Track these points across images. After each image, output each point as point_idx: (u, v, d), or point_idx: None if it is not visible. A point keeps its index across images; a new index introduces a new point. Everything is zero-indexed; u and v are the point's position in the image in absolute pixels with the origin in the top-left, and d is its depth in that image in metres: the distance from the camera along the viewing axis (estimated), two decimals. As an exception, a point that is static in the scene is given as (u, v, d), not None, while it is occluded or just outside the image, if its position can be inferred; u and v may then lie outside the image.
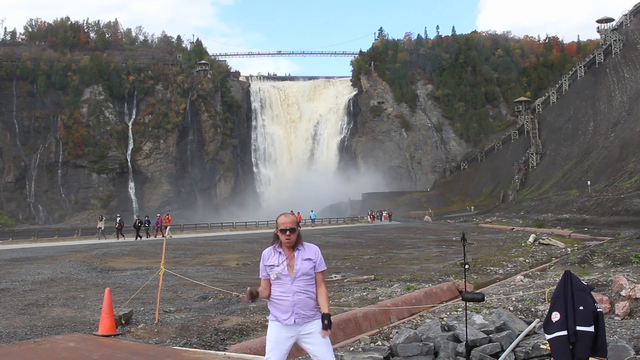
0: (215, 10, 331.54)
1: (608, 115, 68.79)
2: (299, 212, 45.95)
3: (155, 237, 32.47)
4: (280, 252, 4.02)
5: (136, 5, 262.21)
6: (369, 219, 61.96)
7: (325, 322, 3.90)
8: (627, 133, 55.91)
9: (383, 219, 64.60)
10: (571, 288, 4.69)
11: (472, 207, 77.59)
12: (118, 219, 33.85)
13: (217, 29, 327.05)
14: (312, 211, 51.55)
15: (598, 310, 4.66)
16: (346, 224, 56.90)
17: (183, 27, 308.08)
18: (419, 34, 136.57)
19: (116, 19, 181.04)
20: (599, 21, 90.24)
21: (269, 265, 4.02)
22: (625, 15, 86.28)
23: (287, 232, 3.96)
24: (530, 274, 13.25)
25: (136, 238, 31.10)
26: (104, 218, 35.66)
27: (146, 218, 34.65)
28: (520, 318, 7.42)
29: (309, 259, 4.00)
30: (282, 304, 3.97)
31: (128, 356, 5.93)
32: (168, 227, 33.68)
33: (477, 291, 10.02)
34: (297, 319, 3.93)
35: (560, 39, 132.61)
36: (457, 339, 6.17)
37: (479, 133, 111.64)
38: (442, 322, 6.90)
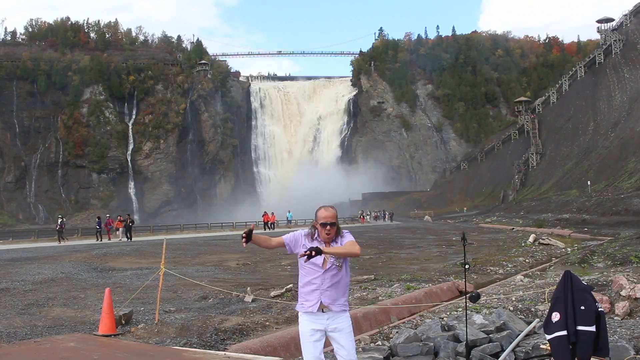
0: (218, 10, 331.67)
1: (608, 115, 68.82)
2: (272, 213, 45.15)
3: (109, 239, 30.45)
4: (319, 242, 3.98)
5: (139, 6, 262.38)
6: (360, 220, 60.80)
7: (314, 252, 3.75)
8: (627, 133, 55.95)
9: (386, 219, 64.35)
10: (571, 288, 4.69)
11: (465, 209, 77.67)
12: (59, 220, 30.66)
13: (219, 30, 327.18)
14: (289, 212, 50.38)
15: (599, 309, 4.67)
16: (346, 224, 56.88)
17: (186, 28, 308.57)
18: (419, 34, 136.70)
19: (116, 19, 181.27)
20: (599, 21, 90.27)
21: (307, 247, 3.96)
22: (625, 15, 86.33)
23: (328, 227, 3.92)
24: (530, 274, 13.25)
25: (128, 238, 30.11)
26: (65, 218, 33.59)
27: (97, 220, 32.05)
28: (520, 318, 7.42)
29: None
30: (311, 290, 3.96)
31: (128, 356, 5.93)
32: (120, 229, 31.83)
33: (477, 291, 10.03)
34: (324, 308, 3.94)
35: (560, 39, 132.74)
36: (457, 339, 6.17)
37: (479, 133, 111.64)
38: (442, 322, 6.90)
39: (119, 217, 33.50)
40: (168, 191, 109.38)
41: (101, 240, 29.96)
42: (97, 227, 31.20)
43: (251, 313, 8.76)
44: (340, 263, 3.99)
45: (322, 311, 3.94)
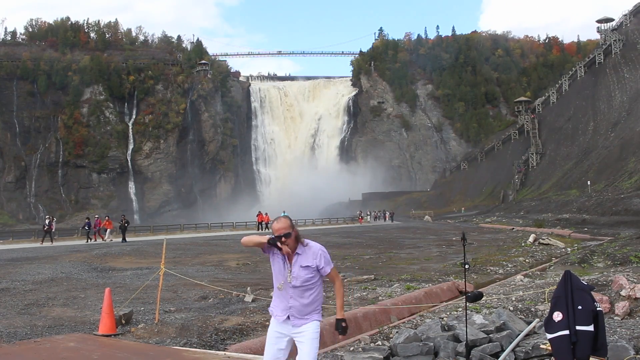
0: (218, 11, 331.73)
1: (608, 115, 68.83)
2: (266, 213, 44.84)
3: (95, 240, 29.74)
4: (283, 255, 3.95)
5: (139, 7, 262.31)
6: (359, 220, 60.28)
7: (340, 329, 3.97)
8: (627, 133, 55.96)
9: (386, 219, 64.24)
10: (571, 287, 4.69)
11: (463, 209, 77.74)
12: (47, 220, 29.63)
13: (220, 30, 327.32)
14: (283, 212, 50.24)
15: (598, 309, 4.66)
16: (346, 224, 56.88)
17: (187, 28, 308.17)
18: (419, 34, 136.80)
19: (116, 19, 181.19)
20: (599, 21, 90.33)
21: (277, 255, 3.98)
22: (625, 15, 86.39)
23: (282, 238, 3.83)
24: (530, 273, 13.25)
25: (123, 239, 29.35)
26: (54, 219, 32.12)
27: (87, 220, 31.32)
28: (520, 318, 7.42)
29: (307, 266, 3.90)
30: (280, 301, 4.00)
31: (128, 356, 5.93)
32: (108, 231, 31.23)
33: (478, 290, 10.03)
34: (292, 319, 3.94)
35: (560, 39, 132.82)
36: (457, 339, 6.17)
37: (479, 133, 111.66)
38: (442, 322, 6.90)
39: (106, 217, 32.84)
40: (168, 191, 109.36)
41: (89, 241, 29.29)
42: (87, 227, 30.66)
43: (251, 313, 8.76)
44: (306, 280, 3.93)
45: (289, 319, 3.94)
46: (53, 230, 29.49)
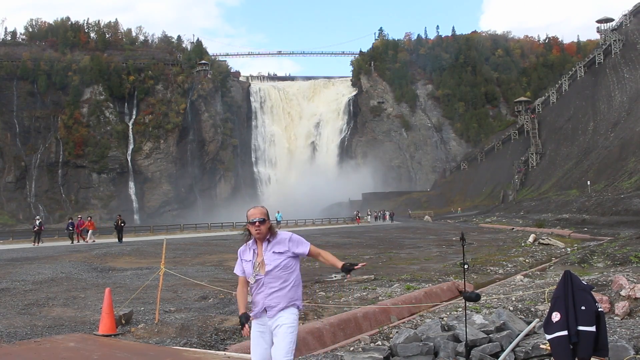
0: (219, 11, 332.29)
1: (608, 115, 68.81)
2: None
3: (78, 241, 29.06)
4: (253, 250, 3.98)
5: (140, 7, 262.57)
6: (356, 221, 59.85)
7: (346, 269, 4.04)
8: (627, 133, 55.93)
9: (385, 219, 64.14)
10: (572, 288, 4.69)
11: (459, 209, 77.87)
12: (37, 221, 29.27)
13: (221, 30, 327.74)
14: (278, 212, 49.25)
15: (599, 309, 4.67)
16: (346, 224, 56.88)
17: (188, 28, 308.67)
18: (419, 34, 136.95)
19: (116, 19, 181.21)
20: (598, 21, 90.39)
21: (246, 260, 4.00)
22: (625, 15, 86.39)
23: (257, 223, 3.90)
24: (530, 273, 13.25)
25: (119, 240, 28.93)
26: (41, 220, 31.51)
27: (69, 221, 30.60)
28: (520, 318, 7.42)
29: (280, 252, 3.91)
30: (256, 298, 3.94)
31: (128, 356, 5.93)
32: (90, 232, 30.60)
33: (476, 291, 10.03)
34: (269, 310, 3.87)
35: (560, 39, 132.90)
36: (457, 339, 6.17)
37: (479, 133, 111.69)
38: (442, 322, 6.90)
39: (88, 218, 32.29)
40: (168, 191, 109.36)
41: (72, 242, 28.73)
42: (70, 228, 30.05)
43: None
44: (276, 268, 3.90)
45: (266, 312, 3.89)
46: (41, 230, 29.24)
